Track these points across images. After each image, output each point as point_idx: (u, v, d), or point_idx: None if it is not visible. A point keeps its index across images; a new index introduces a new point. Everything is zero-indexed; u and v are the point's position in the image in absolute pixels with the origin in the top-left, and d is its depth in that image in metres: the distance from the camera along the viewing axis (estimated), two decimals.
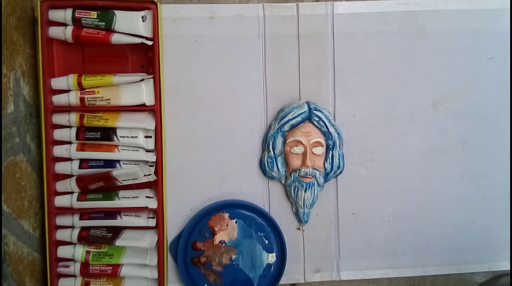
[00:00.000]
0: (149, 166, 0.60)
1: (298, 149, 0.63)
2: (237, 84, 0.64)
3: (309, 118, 0.63)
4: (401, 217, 0.67)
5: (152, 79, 0.60)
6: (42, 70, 0.58)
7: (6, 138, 0.54)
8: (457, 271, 0.68)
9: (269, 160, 0.64)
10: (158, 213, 0.61)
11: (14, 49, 0.56)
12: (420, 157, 0.66)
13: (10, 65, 0.55)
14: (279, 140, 0.63)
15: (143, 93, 0.59)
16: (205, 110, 0.64)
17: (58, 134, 0.60)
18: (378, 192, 0.66)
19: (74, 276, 0.61)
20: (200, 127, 0.64)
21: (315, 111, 0.63)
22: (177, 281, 0.65)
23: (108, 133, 0.60)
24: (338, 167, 0.64)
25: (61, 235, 0.61)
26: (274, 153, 0.63)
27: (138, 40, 0.59)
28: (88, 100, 0.59)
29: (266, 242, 0.64)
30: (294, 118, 0.62)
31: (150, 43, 0.59)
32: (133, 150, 0.61)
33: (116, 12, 0.58)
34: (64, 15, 0.58)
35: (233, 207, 0.64)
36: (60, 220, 0.61)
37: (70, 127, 0.60)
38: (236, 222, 0.64)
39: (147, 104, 0.60)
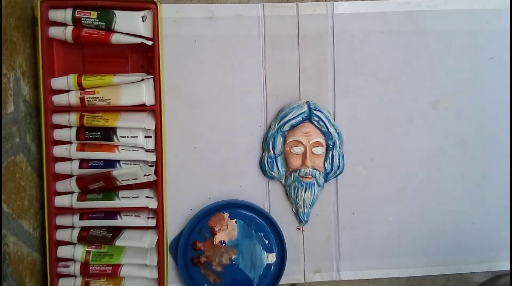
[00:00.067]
0: (149, 166, 0.60)
1: (298, 149, 0.63)
2: (237, 84, 0.64)
3: (309, 118, 0.63)
4: (401, 217, 0.67)
5: (152, 79, 0.60)
6: (42, 70, 0.58)
7: (6, 138, 0.54)
8: (457, 271, 0.68)
9: (269, 160, 0.64)
10: (158, 213, 0.61)
11: (14, 49, 0.56)
12: (420, 157, 0.66)
13: (10, 65, 0.55)
14: (279, 140, 0.63)
15: (143, 93, 0.59)
16: (205, 110, 0.64)
17: (58, 134, 0.60)
18: (378, 192, 0.66)
19: (74, 276, 0.61)
20: (200, 127, 0.64)
21: (315, 111, 0.63)
22: (177, 281, 0.65)
23: (108, 133, 0.60)
24: (338, 167, 0.64)
25: (61, 235, 0.61)
26: (274, 153, 0.63)
27: (138, 40, 0.59)
28: (88, 100, 0.59)
29: (266, 242, 0.64)
30: (294, 118, 0.62)
31: (150, 43, 0.59)
32: (133, 150, 0.61)
33: (116, 12, 0.58)
34: (64, 15, 0.58)
35: (233, 207, 0.64)
36: (60, 220, 0.61)
37: (70, 127, 0.60)
38: (236, 222, 0.64)
39: (147, 104, 0.60)
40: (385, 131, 0.66)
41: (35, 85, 0.61)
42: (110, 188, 0.61)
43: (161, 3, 0.62)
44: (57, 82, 0.60)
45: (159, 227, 0.61)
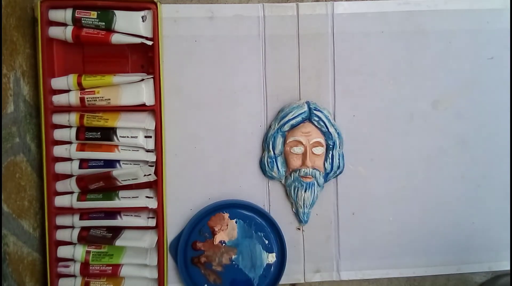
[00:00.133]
0: (149, 166, 0.60)
1: (298, 149, 0.63)
2: (237, 84, 0.64)
3: (309, 118, 0.63)
4: (401, 217, 0.67)
5: (152, 79, 0.60)
6: (42, 70, 0.58)
7: (6, 138, 0.54)
8: (457, 271, 0.68)
9: (269, 160, 0.64)
10: (158, 213, 0.61)
11: (14, 49, 0.56)
12: (420, 157, 0.66)
13: (10, 65, 0.55)
14: (279, 140, 0.63)
15: (143, 93, 0.59)
16: (205, 110, 0.64)
17: (58, 134, 0.60)
18: (378, 192, 0.66)
19: (74, 276, 0.61)
20: (200, 127, 0.64)
21: (315, 111, 0.63)
22: (177, 281, 0.65)
23: (108, 133, 0.60)
24: (338, 167, 0.64)
25: (61, 235, 0.61)
26: (274, 153, 0.63)
27: (138, 40, 0.59)
28: (88, 100, 0.59)
29: (266, 242, 0.64)
30: (294, 118, 0.62)
31: (150, 43, 0.59)
32: (133, 150, 0.61)
33: (116, 12, 0.58)
34: (64, 15, 0.58)
35: (233, 207, 0.64)
36: (60, 220, 0.61)
37: (70, 127, 0.60)
38: (236, 222, 0.64)
39: (147, 104, 0.60)
40: (385, 131, 0.66)
41: (35, 85, 0.61)
42: (110, 188, 0.61)
43: (161, 3, 0.62)
44: (57, 82, 0.60)
45: (159, 227, 0.61)
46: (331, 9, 0.64)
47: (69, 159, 0.61)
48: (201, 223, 0.64)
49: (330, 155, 0.64)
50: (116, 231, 0.62)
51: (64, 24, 0.59)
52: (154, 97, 0.60)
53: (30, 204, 0.59)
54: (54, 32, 0.59)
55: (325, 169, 0.64)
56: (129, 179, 0.60)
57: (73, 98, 0.59)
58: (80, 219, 0.61)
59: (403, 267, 0.67)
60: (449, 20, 0.65)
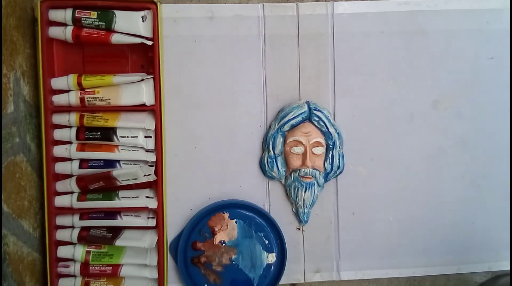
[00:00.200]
0: (149, 166, 0.60)
1: (298, 149, 0.63)
2: (237, 84, 0.64)
3: (309, 118, 0.63)
4: (401, 217, 0.67)
5: (152, 79, 0.60)
6: (42, 70, 0.58)
7: (6, 138, 0.54)
8: (457, 271, 0.68)
9: (269, 160, 0.64)
10: (158, 213, 0.61)
11: (14, 49, 0.56)
12: (420, 157, 0.66)
13: (10, 65, 0.55)
14: (279, 140, 0.63)
15: (143, 93, 0.59)
16: (205, 110, 0.64)
17: (58, 134, 0.60)
18: (378, 192, 0.66)
19: (74, 276, 0.61)
20: (200, 127, 0.64)
21: (315, 111, 0.63)
22: (177, 281, 0.65)
23: (108, 133, 0.60)
24: (338, 167, 0.64)
25: (61, 235, 0.61)
26: (274, 153, 0.63)
27: (138, 40, 0.59)
28: (88, 100, 0.59)
29: (266, 242, 0.64)
30: (294, 118, 0.62)
31: (150, 43, 0.59)
32: (133, 150, 0.61)
33: (116, 12, 0.58)
34: (64, 15, 0.58)
35: (233, 207, 0.64)
36: (60, 220, 0.61)
37: (70, 127, 0.60)
38: (236, 222, 0.64)
39: (147, 104, 0.60)
40: (385, 131, 0.66)
41: (35, 85, 0.61)
42: (110, 188, 0.61)
43: (161, 3, 0.62)
44: (57, 82, 0.60)
45: (159, 227, 0.61)
46: (331, 9, 0.64)
47: (69, 159, 0.61)
48: (201, 223, 0.64)
49: (330, 155, 0.64)
50: (116, 231, 0.62)
51: (64, 24, 0.59)
52: (154, 97, 0.60)
53: (30, 204, 0.59)
54: (54, 32, 0.59)
55: (325, 169, 0.64)
56: (129, 179, 0.60)
57: (73, 98, 0.59)
58: (80, 219, 0.61)
59: (403, 267, 0.67)
60: (449, 20, 0.65)
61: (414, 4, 0.65)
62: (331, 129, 0.63)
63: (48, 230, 0.60)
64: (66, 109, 0.60)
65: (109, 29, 0.59)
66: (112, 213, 0.61)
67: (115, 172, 0.59)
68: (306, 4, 0.64)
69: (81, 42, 0.59)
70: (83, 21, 0.58)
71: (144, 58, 0.62)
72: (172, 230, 0.64)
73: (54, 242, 0.60)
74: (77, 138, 0.60)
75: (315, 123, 0.63)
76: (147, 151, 0.61)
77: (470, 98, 0.66)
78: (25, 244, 0.58)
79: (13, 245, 0.55)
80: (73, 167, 0.60)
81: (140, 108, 0.60)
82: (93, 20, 0.58)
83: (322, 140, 0.63)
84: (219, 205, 0.64)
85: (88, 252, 0.61)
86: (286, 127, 0.63)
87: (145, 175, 0.59)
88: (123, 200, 0.60)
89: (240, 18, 0.63)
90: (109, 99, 0.59)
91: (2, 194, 0.52)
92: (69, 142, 0.61)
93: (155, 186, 0.62)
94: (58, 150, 0.60)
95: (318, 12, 0.64)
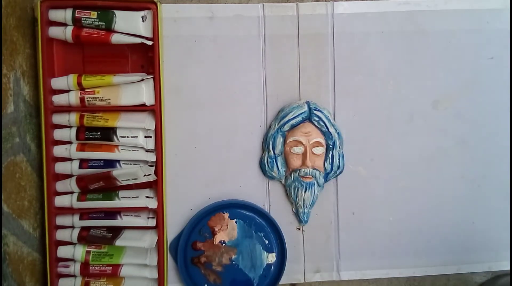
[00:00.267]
0: (149, 166, 0.60)
1: (298, 149, 0.63)
2: (237, 84, 0.64)
3: (309, 118, 0.63)
4: (401, 217, 0.67)
5: (152, 79, 0.60)
6: (42, 70, 0.58)
7: (6, 138, 0.54)
8: (457, 271, 0.68)
9: (269, 160, 0.64)
10: (158, 213, 0.61)
11: (14, 49, 0.56)
12: (420, 157, 0.66)
13: (10, 65, 0.55)
14: (279, 140, 0.63)
15: (143, 93, 0.59)
16: (205, 110, 0.64)
17: (58, 134, 0.60)
18: (378, 192, 0.66)
19: (74, 276, 0.61)
20: (200, 127, 0.64)
21: (315, 111, 0.63)
22: (177, 281, 0.65)
23: (108, 133, 0.60)
24: (338, 167, 0.64)
25: (61, 235, 0.61)
26: (274, 153, 0.63)
27: (138, 40, 0.59)
28: (88, 100, 0.59)
29: (266, 242, 0.64)
30: (294, 118, 0.62)
31: (150, 43, 0.59)
32: (133, 150, 0.61)
33: (116, 12, 0.58)
34: (64, 15, 0.58)
35: (233, 207, 0.64)
36: (60, 220, 0.61)
37: (70, 127, 0.60)
38: (236, 222, 0.64)
39: (147, 104, 0.60)
40: (385, 131, 0.66)
41: (35, 85, 0.61)
42: (110, 188, 0.61)
43: (161, 3, 0.62)
44: (57, 82, 0.60)
45: (159, 227, 0.61)
46: (331, 9, 0.64)
47: (69, 159, 0.61)
48: (201, 223, 0.64)
49: (330, 155, 0.64)
50: (116, 231, 0.62)
51: (64, 24, 0.59)
52: (154, 97, 0.60)
53: (30, 204, 0.59)
54: (54, 32, 0.59)
55: (325, 169, 0.64)
56: (129, 179, 0.60)
57: (73, 98, 0.59)
58: (80, 219, 0.61)
59: (403, 267, 0.67)
60: (449, 20, 0.65)
61: (414, 4, 0.65)
62: (331, 129, 0.63)
63: (48, 230, 0.60)
64: (66, 109, 0.60)
65: (109, 29, 0.59)
66: (112, 213, 0.61)
67: (115, 172, 0.59)
68: (306, 4, 0.64)
69: (81, 42, 0.59)
70: (83, 21, 0.58)
71: (144, 58, 0.62)
72: (172, 230, 0.64)
73: (54, 242, 0.60)
74: (77, 138, 0.60)
75: (315, 123, 0.63)
76: (147, 151, 0.61)
77: (470, 98, 0.66)
78: (25, 244, 0.58)
79: (13, 245, 0.55)
80: (73, 167, 0.60)
81: (140, 108, 0.60)
82: (93, 20, 0.58)
83: (322, 140, 0.63)
84: (219, 205, 0.64)
85: (88, 252, 0.61)
86: (286, 127, 0.63)
87: (145, 175, 0.59)
88: (123, 200, 0.60)
89: (240, 18, 0.63)
90: (109, 99, 0.59)
91: (2, 194, 0.52)
92: (69, 142, 0.61)
93: (155, 186, 0.62)
94: (58, 150, 0.60)
95: (318, 12, 0.64)
